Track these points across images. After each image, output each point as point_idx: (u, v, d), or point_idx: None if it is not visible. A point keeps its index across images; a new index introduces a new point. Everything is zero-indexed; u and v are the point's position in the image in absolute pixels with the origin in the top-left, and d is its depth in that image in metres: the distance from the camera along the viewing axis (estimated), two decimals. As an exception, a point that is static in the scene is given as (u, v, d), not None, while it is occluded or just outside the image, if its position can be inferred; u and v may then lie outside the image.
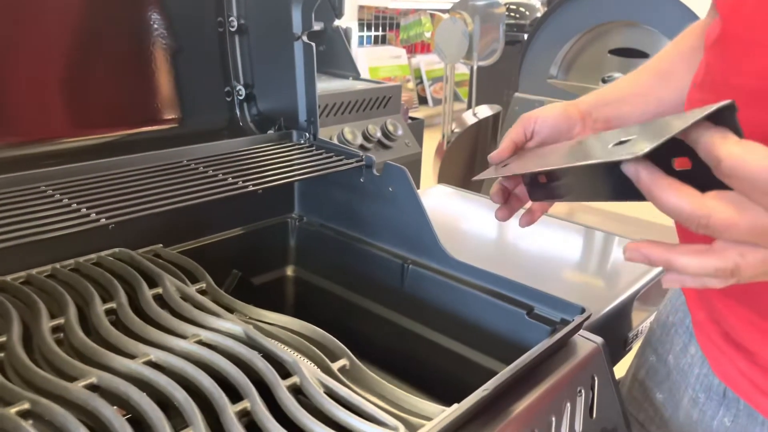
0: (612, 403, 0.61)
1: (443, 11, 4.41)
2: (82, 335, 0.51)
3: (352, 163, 0.76)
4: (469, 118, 2.91)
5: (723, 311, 0.57)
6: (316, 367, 0.50)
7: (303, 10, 0.79)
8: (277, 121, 0.88)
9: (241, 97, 0.90)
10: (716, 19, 0.54)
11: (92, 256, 0.65)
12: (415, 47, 5.43)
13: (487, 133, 2.88)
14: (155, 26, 0.84)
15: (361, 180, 0.77)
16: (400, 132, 1.62)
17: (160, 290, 0.59)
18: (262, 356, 0.50)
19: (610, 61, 2.28)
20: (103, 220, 0.53)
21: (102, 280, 0.60)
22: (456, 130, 2.87)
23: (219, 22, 0.89)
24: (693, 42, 0.66)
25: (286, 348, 0.52)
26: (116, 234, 0.64)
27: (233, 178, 0.67)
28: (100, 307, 0.55)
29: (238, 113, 0.91)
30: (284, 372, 0.48)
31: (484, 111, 2.94)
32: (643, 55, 2.22)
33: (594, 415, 0.58)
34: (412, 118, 1.83)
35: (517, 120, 0.60)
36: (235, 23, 0.87)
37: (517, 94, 2.52)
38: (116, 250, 0.67)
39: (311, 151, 0.80)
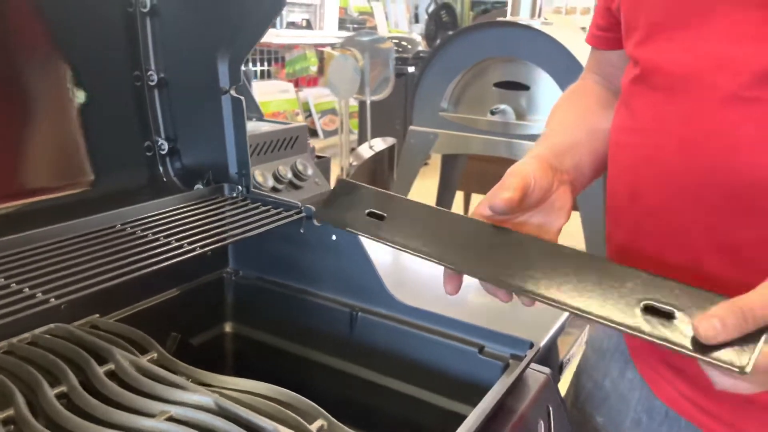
0: (566, 429, 0.65)
1: (328, 45, 4.49)
2: (38, 425, 0.48)
3: (291, 215, 0.76)
4: (366, 152, 2.97)
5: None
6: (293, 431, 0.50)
7: (230, 64, 0.79)
8: (205, 175, 0.86)
9: (163, 152, 0.88)
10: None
11: (26, 335, 0.60)
12: (301, 81, 5.46)
13: (383, 165, 2.95)
14: (62, 81, 0.80)
15: (301, 231, 0.77)
16: (310, 171, 1.62)
17: (111, 366, 0.56)
18: (239, 427, 0.49)
19: (495, 93, 2.43)
20: (53, 300, 0.50)
21: (43, 362, 0.56)
22: (354, 164, 2.92)
23: (136, 76, 0.86)
24: (594, 100, 0.74)
25: (260, 415, 0.51)
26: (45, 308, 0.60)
27: (176, 240, 0.65)
28: (50, 393, 0.52)
29: (161, 169, 0.88)
30: (267, 441, 0.48)
31: (380, 144, 3.01)
32: (524, 87, 2.38)
33: (555, 441, 0.62)
34: (318, 157, 1.85)
35: (506, 175, 0.56)
36: (155, 77, 0.85)
37: (412, 127, 2.61)
38: (51, 326, 0.62)
39: (246, 204, 0.80)
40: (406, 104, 4.84)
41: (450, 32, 6.07)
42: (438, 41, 5.63)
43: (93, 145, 0.82)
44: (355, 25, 5.51)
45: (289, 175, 1.60)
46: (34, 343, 0.60)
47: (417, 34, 5.57)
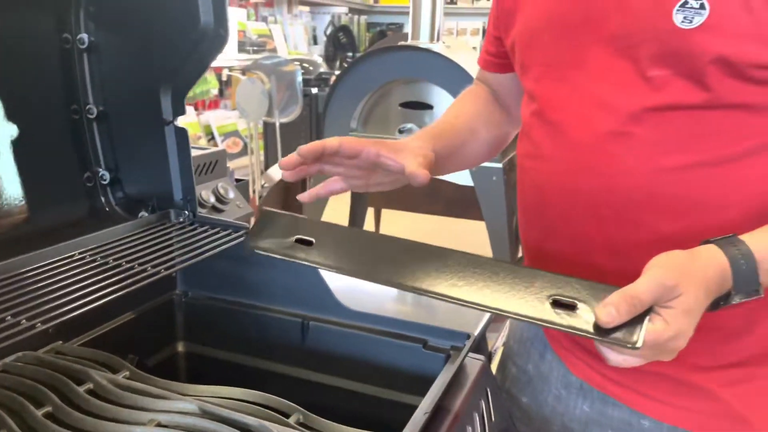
0: (502, 408, 0.74)
1: (227, 68, 4.48)
2: (34, 444, 0.51)
3: (241, 235, 0.81)
4: (277, 173, 3.01)
5: None
6: (277, 424, 0.56)
7: (173, 97, 0.84)
8: (149, 203, 0.89)
9: (105, 182, 0.90)
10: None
11: (-5, 364, 0.62)
12: (201, 104, 5.40)
13: (296, 185, 3.00)
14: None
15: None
16: (231, 195, 1.66)
17: (90, 385, 0.60)
18: (227, 426, 0.54)
19: (401, 113, 2.56)
20: (40, 325, 0.53)
21: (22, 387, 0.59)
22: (266, 185, 2.95)
23: (74, 109, 0.89)
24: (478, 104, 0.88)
25: (243, 415, 0.56)
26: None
27: (139, 265, 0.69)
28: (37, 414, 0.55)
29: (102, 199, 0.91)
30: (254, 436, 0.53)
31: (290, 165, 3.05)
32: (428, 106, 2.53)
33: (493, 419, 0.71)
34: (237, 180, 1.88)
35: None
36: (94, 110, 0.88)
37: (322, 148, 2.68)
38: (20, 354, 0.64)
39: (195, 228, 0.84)
40: (311, 124, 4.91)
41: (349, 53, 6.20)
42: (341, 63, 5.75)
43: (29, 179, 0.84)
44: (255, 48, 5.52)
45: (212, 199, 1.63)
46: (5, 372, 0.62)
47: (317, 55, 5.67)
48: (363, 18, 6.96)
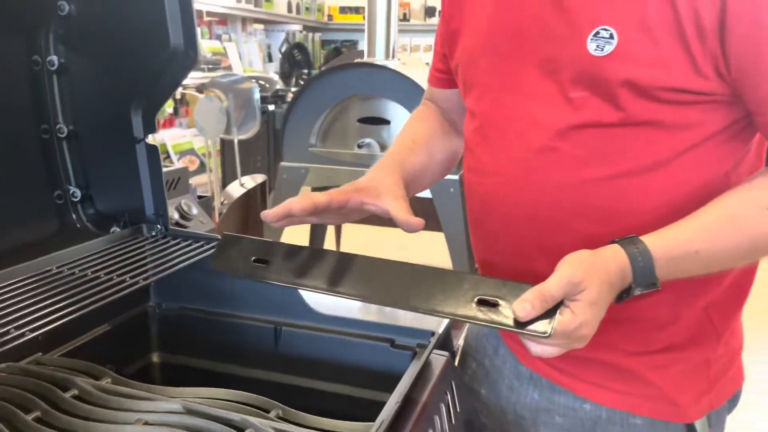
0: (466, 400, 0.80)
1: (185, 86, 4.47)
2: (27, 446, 0.53)
3: (212, 247, 0.85)
4: (236, 190, 3.02)
5: None
6: (258, 418, 0.59)
7: (144, 115, 0.87)
8: (121, 218, 0.92)
9: (75, 199, 0.92)
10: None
11: (-21, 376, 0.64)
12: (157, 123, 5.36)
13: (256, 202, 3.01)
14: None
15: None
16: (195, 211, 1.68)
17: (75, 391, 0.62)
18: (211, 421, 0.57)
19: (359, 128, 2.61)
20: (28, 333, 0.56)
21: (8, 395, 0.61)
22: (225, 202, 2.96)
23: (44, 129, 0.91)
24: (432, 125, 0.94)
25: (226, 411, 0.60)
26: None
27: (117, 276, 0.72)
28: (27, 418, 0.57)
29: (74, 216, 0.93)
30: (238, 429, 0.57)
31: (250, 182, 3.07)
32: (385, 121, 2.59)
33: (458, 410, 0.76)
34: (200, 196, 1.90)
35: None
36: (65, 130, 0.90)
37: (283, 164, 2.72)
38: (2, 365, 0.66)
39: (168, 241, 0.87)
40: (268, 141, 4.93)
41: (304, 70, 6.24)
42: (297, 80, 5.78)
43: None
44: (209, 66, 5.52)
45: (176, 215, 1.65)
46: (-10, 382, 0.64)
47: (273, 72, 5.70)
48: (317, 35, 7.02)
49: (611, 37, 0.66)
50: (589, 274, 0.61)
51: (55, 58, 0.88)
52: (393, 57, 2.62)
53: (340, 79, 2.53)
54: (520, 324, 0.60)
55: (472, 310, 0.62)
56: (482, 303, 0.63)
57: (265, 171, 4.01)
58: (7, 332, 0.56)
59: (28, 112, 0.90)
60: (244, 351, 0.86)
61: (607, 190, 0.70)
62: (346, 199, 0.74)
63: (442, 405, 0.73)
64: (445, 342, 0.83)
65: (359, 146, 2.57)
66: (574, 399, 0.80)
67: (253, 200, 3.04)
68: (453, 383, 0.77)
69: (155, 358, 0.90)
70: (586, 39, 0.67)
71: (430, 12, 6.90)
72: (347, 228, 3.44)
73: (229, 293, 0.87)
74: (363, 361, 0.81)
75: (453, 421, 0.74)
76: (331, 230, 3.37)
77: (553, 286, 0.60)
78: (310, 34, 6.66)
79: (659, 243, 0.64)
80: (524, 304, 0.60)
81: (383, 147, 2.60)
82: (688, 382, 0.78)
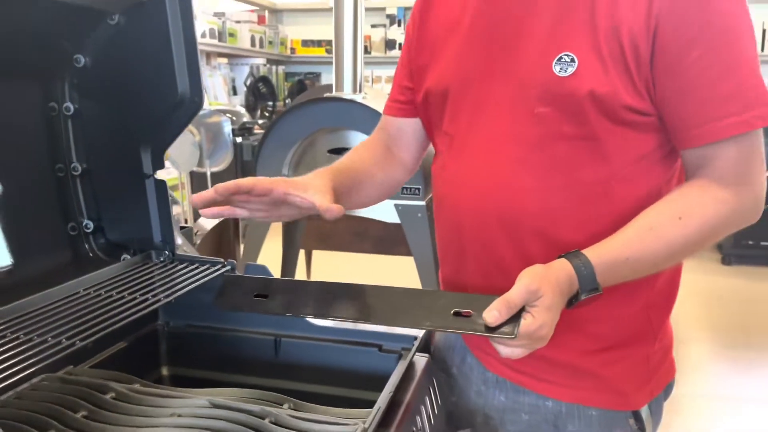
0: (447, 396, 0.91)
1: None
2: (82, 437, 0.63)
3: (218, 269, 0.96)
4: (208, 222, 3.10)
5: None
6: (275, 409, 0.70)
7: (152, 153, 0.98)
8: (130, 247, 1.02)
9: (88, 231, 1.02)
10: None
11: (25, 385, 0.73)
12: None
13: (229, 232, 3.10)
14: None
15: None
16: (179, 240, 1.77)
17: (113, 394, 0.72)
18: (234, 412, 0.68)
19: (329, 158, 2.74)
20: (78, 342, 0.66)
21: (55, 400, 0.70)
22: (198, 233, 3.03)
23: (59, 168, 1.01)
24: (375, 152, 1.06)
25: (246, 404, 0.71)
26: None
27: (141, 295, 0.82)
28: (76, 416, 0.67)
29: (86, 246, 1.02)
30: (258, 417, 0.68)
31: (223, 212, 3.15)
32: (355, 152, 2.73)
33: (439, 402, 0.88)
34: (182, 227, 1.99)
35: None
36: (79, 168, 1.00)
37: (255, 194, 2.82)
38: (43, 376, 0.76)
39: (176, 265, 0.98)
40: (236, 173, 5.02)
41: (269, 103, 6.35)
42: (262, 112, 5.88)
43: (15, 232, 0.94)
44: (175, 100, 5.56)
45: (162, 246, 1.74)
46: (35, 389, 0.73)
47: (239, 105, 5.80)
48: (281, 68, 7.17)
49: (572, 60, 0.80)
50: (543, 283, 0.74)
51: (70, 104, 0.98)
52: (360, 91, 2.77)
53: (311, 113, 2.66)
54: (490, 329, 0.73)
55: (450, 321, 0.75)
56: (457, 315, 0.75)
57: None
58: (59, 342, 0.66)
59: (44, 152, 0.99)
60: (247, 362, 0.96)
61: (571, 196, 0.83)
62: (271, 188, 0.82)
63: (426, 398, 0.85)
64: (425, 345, 0.95)
65: (330, 176, 2.70)
66: (537, 398, 0.92)
67: (226, 230, 3.13)
68: (434, 379, 0.89)
69: (165, 371, 0.99)
70: (551, 63, 0.80)
71: (390, 44, 7.14)
72: (317, 256, 3.54)
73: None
74: (354, 365, 0.92)
75: (436, 411, 0.85)
76: (302, 259, 3.47)
77: (515, 295, 0.73)
78: (274, 67, 6.81)
79: (597, 253, 0.78)
80: (492, 312, 0.72)
81: (353, 176, 2.74)
82: (632, 375, 0.91)
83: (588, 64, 0.79)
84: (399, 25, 7.63)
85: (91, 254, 1.02)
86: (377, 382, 0.86)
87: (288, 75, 7.30)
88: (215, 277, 0.95)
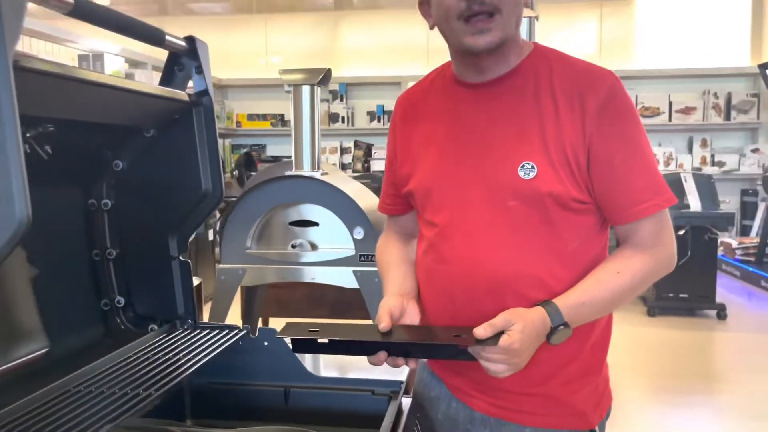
0: (429, 427, 1.13)
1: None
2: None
3: (236, 334, 1.16)
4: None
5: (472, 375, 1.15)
6: (304, 440, 0.91)
7: (178, 239, 1.19)
8: (157, 318, 1.21)
9: (120, 306, 1.21)
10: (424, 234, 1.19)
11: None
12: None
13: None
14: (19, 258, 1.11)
15: (240, 343, 1.17)
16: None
17: (177, 430, 0.91)
18: (276, 443, 0.88)
19: (291, 230, 2.96)
20: (153, 392, 0.85)
21: (128, 441, 0.88)
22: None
23: (95, 253, 1.20)
24: (400, 248, 1.31)
25: (281, 437, 0.91)
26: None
27: (181, 359, 1.02)
28: (152, 452, 0.85)
29: (117, 319, 1.21)
30: (295, 445, 0.88)
31: (186, 283, 3.28)
32: (314, 223, 2.96)
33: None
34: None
35: (381, 305, 1.10)
36: (113, 253, 1.20)
37: (220, 266, 2.99)
38: (110, 425, 0.93)
39: (198, 333, 1.17)
40: (197, 245, 5.15)
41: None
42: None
43: (49, 314, 1.11)
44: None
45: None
46: (109, 436, 0.91)
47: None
48: (227, 141, 7.40)
49: (533, 167, 1.07)
50: (516, 316, 1.00)
51: (108, 201, 1.19)
52: (318, 168, 3.03)
53: (273, 189, 2.89)
54: (480, 341, 0.97)
55: (452, 340, 1.00)
56: (457, 337, 0.99)
57: (194, 273, 4.21)
58: (137, 394, 0.85)
59: (83, 240, 1.19)
60: (261, 410, 1.15)
61: (538, 265, 1.09)
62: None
63: (414, 429, 1.06)
64: (408, 387, 1.17)
65: (293, 246, 2.91)
66: (517, 427, 1.14)
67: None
68: (419, 415, 1.11)
69: (189, 422, 1.17)
70: (516, 169, 1.07)
71: (333, 118, 7.53)
72: (275, 323, 3.68)
73: (245, 368, 1.17)
74: (351, 408, 1.13)
75: (422, 440, 1.07)
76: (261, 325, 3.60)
77: (497, 320, 0.99)
78: (221, 140, 7.04)
79: (563, 300, 1.05)
80: (481, 328, 0.98)
81: (313, 246, 2.96)
82: (589, 400, 1.16)
83: (544, 170, 1.07)
84: (341, 99, 8.07)
85: (122, 326, 1.21)
86: (372, 420, 1.08)
87: (234, 147, 7.52)
88: (233, 339, 1.15)
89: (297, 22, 8.97)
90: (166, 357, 1.05)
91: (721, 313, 5.11)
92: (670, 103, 8.04)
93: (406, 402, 1.12)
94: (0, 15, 0.66)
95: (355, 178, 4.20)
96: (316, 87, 3.01)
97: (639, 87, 8.06)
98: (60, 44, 5.13)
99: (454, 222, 1.13)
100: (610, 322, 1.21)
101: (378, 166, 8.03)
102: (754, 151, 7.81)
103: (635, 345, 4.52)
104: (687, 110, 8.00)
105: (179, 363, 1.02)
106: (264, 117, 7.95)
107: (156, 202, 1.19)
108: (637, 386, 3.76)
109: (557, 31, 8.21)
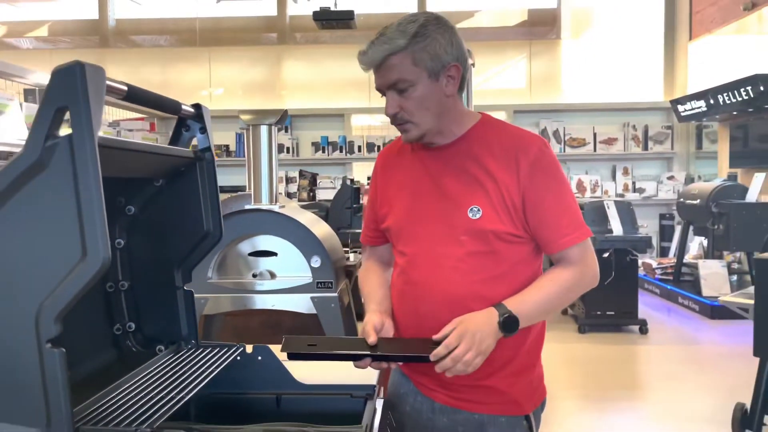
0: (402, 427, 1.38)
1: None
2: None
3: (235, 351, 1.38)
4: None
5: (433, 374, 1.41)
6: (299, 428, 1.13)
7: (183, 272, 1.40)
8: (163, 339, 1.41)
9: (130, 330, 1.40)
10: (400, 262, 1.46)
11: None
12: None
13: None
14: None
15: (238, 358, 1.39)
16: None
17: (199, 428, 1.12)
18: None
19: (251, 260, 3.16)
20: (187, 396, 1.07)
21: (161, 438, 1.09)
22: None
23: (109, 285, 1.40)
24: (379, 273, 1.58)
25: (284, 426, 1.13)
26: None
27: (191, 375, 1.23)
28: (184, 444, 1.06)
29: (128, 342, 1.40)
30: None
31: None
32: (273, 254, 3.17)
33: (396, 428, 1.34)
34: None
35: (366, 321, 1.38)
36: (125, 285, 1.40)
37: (183, 295, 3.14)
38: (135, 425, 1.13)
39: (201, 351, 1.38)
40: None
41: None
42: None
43: (72, 335, 1.31)
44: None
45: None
46: (142, 435, 1.11)
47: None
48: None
49: (479, 210, 1.37)
50: (459, 322, 1.29)
51: (121, 240, 1.39)
52: (276, 202, 3.25)
53: (233, 222, 3.09)
54: (435, 342, 1.26)
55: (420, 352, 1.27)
56: (435, 344, 1.27)
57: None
58: (173, 398, 1.06)
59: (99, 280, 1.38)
60: (256, 415, 1.37)
61: (485, 285, 1.38)
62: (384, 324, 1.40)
63: (387, 428, 1.30)
64: (379, 392, 1.42)
65: (254, 275, 3.11)
66: (468, 414, 1.43)
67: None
68: (390, 413, 1.36)
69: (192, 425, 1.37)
70: (466, 211, 1.38)
71: (279, 148, 7.70)
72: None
73: (241, 379, 1.39)
74: (333, 409, 1.36)
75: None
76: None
77: (446, 328, 1.27)
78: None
79: (509, 300, 1.34)
80: (437, 335, 1.27)
81: (272, 275, 3.16)
82: (525, 392, 1.45)
83: (488, 213, 1.38)
84: (286, 131, 8.27)
85: (133, 348, 1.40)
86: (350, 419, 1.32)
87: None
88: (232, 356, 1.37)
89: (240, 55, 9.18)
90: (178, 374, 1.26)
91: (643, 328, 5.58)
92: (595, 135, 8.66)
93: (379, 402, 1.36)
94: (89, 109, 0.89)
95: (304, 207, 4.42)
96: (273, 127, 3.25)
97: (566, 119, 8.67)
98: (7, 79, 5.17)
99: (420, 252, 1.43)
100: (542, 331, 1.51)
101: (322, 195, 8.27)
102: (670, 178, 8.50)
103: (568, 359, 4.90)
104: (609, 141, 8.64)
105: (190, 378, 1.23)
106: (219, 148, 8.07)
107: (163, 241, 1.40)
108: (571, 396, 4.11)
109: (491, 67, 8.75)
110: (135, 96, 1.05)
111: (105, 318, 1.39)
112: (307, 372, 1.42)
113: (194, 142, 1.39)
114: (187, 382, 1.21)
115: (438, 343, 1.28)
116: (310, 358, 1.25)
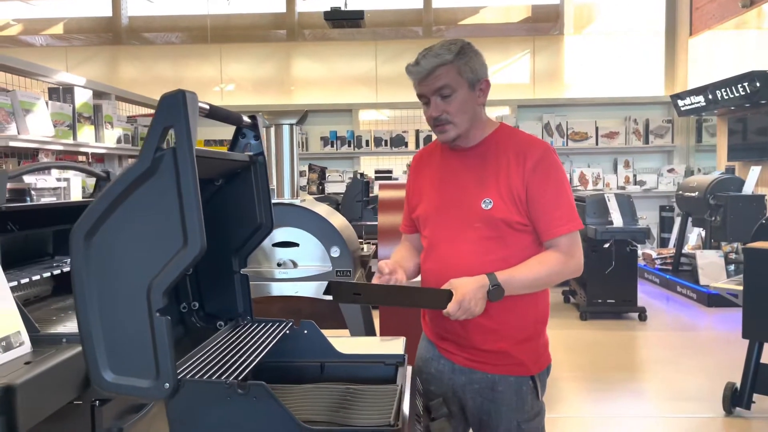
0: (431, 389, 1.62)
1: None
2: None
3: (286, 325, 1.62)
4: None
5: (458, 332, 1.68)
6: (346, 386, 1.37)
7: (239, 258, 1.64)
8: (223, 316, 1.65)
9: (195, 308, 1.65)
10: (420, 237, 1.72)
11: (211, 389, 1.35)
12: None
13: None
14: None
15: (288, 332, 1.63)
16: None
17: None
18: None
19: (275, 250, 3.39)
20: (254, 359, 1.31)
21: (234, 393, 1.33)
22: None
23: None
24: (409, 248, 1.85)
25: (333, 385, 1.37)
26: None
27: (252, 345, 1.47)
28: (255, 397, 1.30)
29: (193, 319, 1.65)
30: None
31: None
32: (295, 244, 3.40)
33: (422, 391, 1.58)
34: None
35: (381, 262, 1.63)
36: (190, 269, 1.63)
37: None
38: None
39: (257, 326, 1.62)
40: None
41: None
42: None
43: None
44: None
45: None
46: (218, 391, 1.35)
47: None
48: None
49: (491, 201, 1.63)
50: (456, 282, 1.53)
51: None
52: (297, 196, 3.48)
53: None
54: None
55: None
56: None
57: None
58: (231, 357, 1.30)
59: (167, 261, 1.62)
60: (305, 379, 1.61)
61: (495, 263, 1.62)
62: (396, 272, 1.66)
63: (416, 390, 1.55)
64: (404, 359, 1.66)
65: (279, 264, 3.35)
66: (483, 374, 1.69)
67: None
68: (418, 379, 1.60)
69: (251, 391, 1.61)
70: (480, 202, 1.64)
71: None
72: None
73: (291, 349, 1.63)
74: (369, 374, 1.60)
75: (420, 397, 1.55)
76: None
77: (454, 282, 1.53)
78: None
79: (500, 273, 1.58)
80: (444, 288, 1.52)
81: (295, 264, 3.40)
82: (531, 356, 1.71)
83: (498, 203, 1.63)
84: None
85: (197, 324, 1.64)
86: (388, 381, 1.55)
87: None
88: (286, 331, 1.61)
89: (250, 52, 9.40)
90: (242, 343, 1.50)
91: (642, 315, 5.82)
92: (597, 129, 8.87)
93: (408, 369, 1.60)
94: (189, 127, 1.12)
95: (316, 200, 4.67)
96: (295, 126, 3.48)
97: (569, 113, 8.88)
98: (32, 78, 5.40)
99: (441, 238, 1.70)
100: (547, 305, 1.76)
101: (331, 188, 8.51)
102: (670, 171, 8.72)
103: (571, 344, 5.15)
104: (611, 135, 8.86)
105: (254, 347, 1.47)
106: (221, 143, 8.31)
107: (222, 233, 1.64)
108: (574, 378, 4.36)
109: (495, 63, 8.96)
110: (213, 113, 1.28)
111: (173, 298, 1.63)
112: (346, 344, 1.66)
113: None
114: (252, 350, 1.45)
115: (445, 292, 1.54)
116: (355, 300, 1.52)
